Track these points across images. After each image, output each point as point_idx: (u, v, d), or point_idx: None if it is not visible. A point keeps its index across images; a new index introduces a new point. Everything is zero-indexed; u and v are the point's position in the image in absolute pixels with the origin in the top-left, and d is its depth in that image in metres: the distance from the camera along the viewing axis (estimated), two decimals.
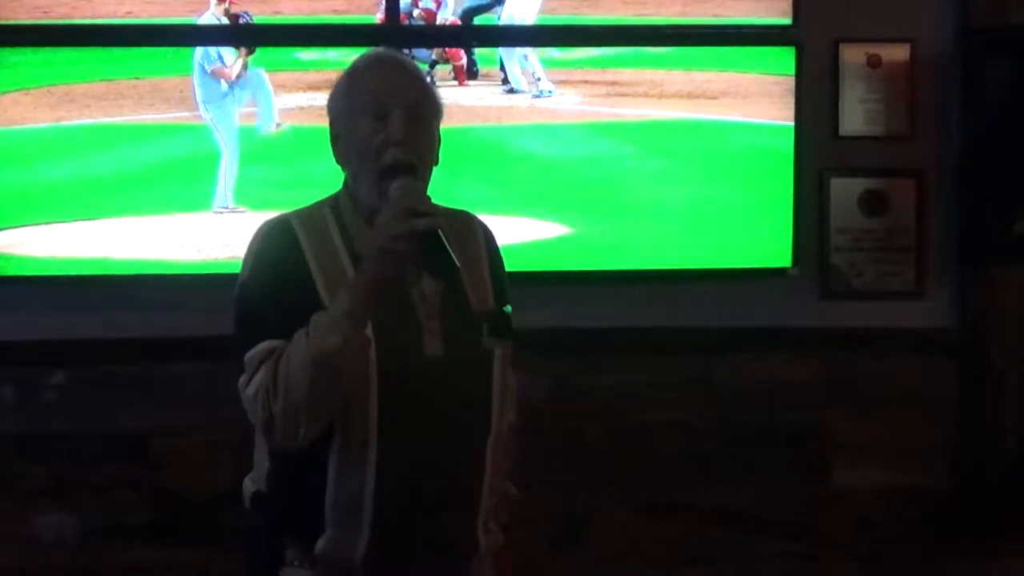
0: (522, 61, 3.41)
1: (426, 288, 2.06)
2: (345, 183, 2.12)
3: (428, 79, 2.21)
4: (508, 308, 2.18)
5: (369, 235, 1.99)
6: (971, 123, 3.49)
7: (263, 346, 1.98)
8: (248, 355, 2.00)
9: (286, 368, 1.94)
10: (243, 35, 3.34)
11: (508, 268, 3.33)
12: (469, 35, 3.41)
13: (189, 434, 3.42)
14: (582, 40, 3.41)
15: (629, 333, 3.50)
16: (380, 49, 2.22)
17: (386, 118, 2.02)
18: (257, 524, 2.14)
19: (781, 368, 3.56)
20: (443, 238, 1.94)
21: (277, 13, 3.37)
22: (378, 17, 3.35)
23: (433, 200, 2.04)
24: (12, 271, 3.34)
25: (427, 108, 2.09)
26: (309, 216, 2.11)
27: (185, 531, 3.42)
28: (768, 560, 3.56)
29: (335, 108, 2.11)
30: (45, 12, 3.32)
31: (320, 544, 2.03)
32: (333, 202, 2.12)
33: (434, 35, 3.40)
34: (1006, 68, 3.47)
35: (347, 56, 3.29)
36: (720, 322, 3.51)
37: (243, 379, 2.00)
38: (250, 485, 2.16)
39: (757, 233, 3.46)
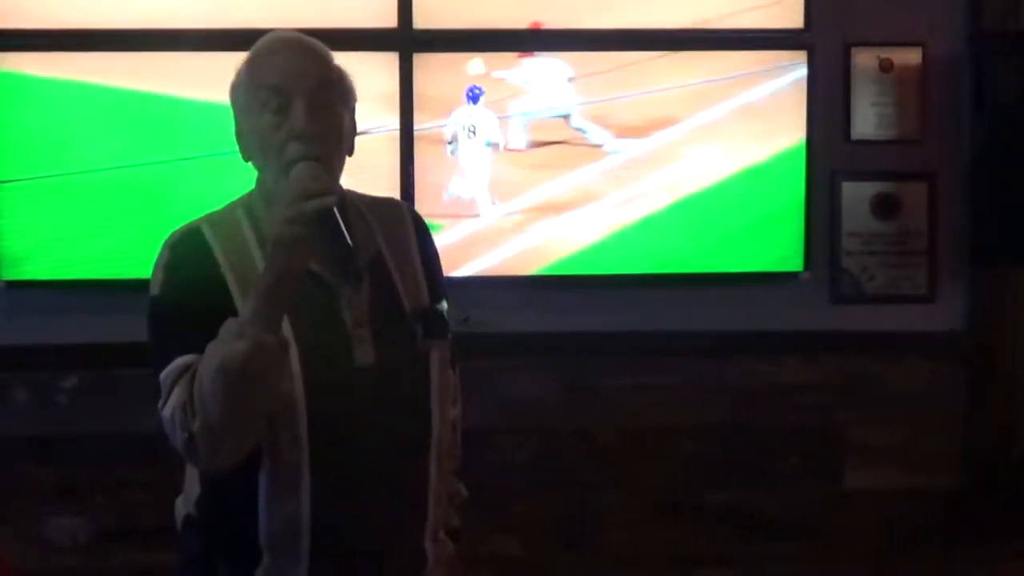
0: None
1: (353, 292, 1.93)
2: (258, 181, 1.98)
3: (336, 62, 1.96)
4: (444, 304, 2.03)
5: None
6: (982, 126, 3.49)
7: (177, 363, 1.82)
8: (162, 375, 1.84)
9: (200, 383, 1.77)
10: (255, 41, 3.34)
11: (528, 272, 3.39)
12: (483, 41, 3.41)
13: None
14: (598, 45, 3.40)
15: (642, 336, 3.51)
16: (280, 31, 2.00)
17: (287, 110, 1.86)
18: (190, 547, 2.01)
19: (793, 371, 3.57)
20: (338, 218, 1.77)
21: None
22: None
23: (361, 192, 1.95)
24: (26, 275, 3.35)
25: (332, 93, 1.91)
26: (220, 220, 1.97)
27: None
28: (779, 562, 3.57)
29: (236, 101, 1.95)
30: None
31: (258, 573, 1.91)
32: (246, 202, 1.98)
33: (449, 41, 3.40)
34: (1017, 71, 3.48)
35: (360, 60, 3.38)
36: (732, 326, 3.52)
37: (160, 402, 1.84)
38: (181, 507, 2.03)
39: (769, 237, 3.47)
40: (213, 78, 3.19)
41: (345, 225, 1.79)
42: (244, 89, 1.93)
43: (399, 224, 2.07)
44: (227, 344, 1.76)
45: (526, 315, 3.43)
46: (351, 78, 1.98)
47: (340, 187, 1.97)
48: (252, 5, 3.35)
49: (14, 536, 3.44)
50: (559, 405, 3.50)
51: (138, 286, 3.31)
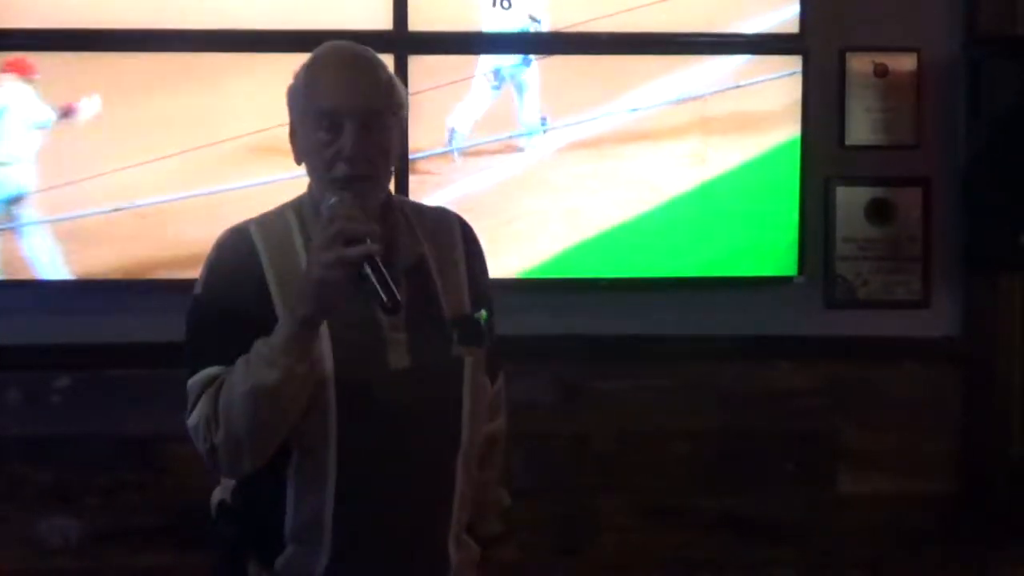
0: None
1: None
2: (309, 184, 2.03)
3: (388, 70, 2.01)
4: (484, 313, 2.08)
5: None
6: (977, 132, 3.49)
7: (204, 374, 1.91)
8: (189, 383, 1.93)
9: (227, 398, 1.86)
10: (252, 42, 3.34)
11: (519, 275, 3.38)
12: (477, 43, 3.41)
13: None
14: (591, 48, 3.41)
15: (636, 340, 3.51)
16: (338, 43, 2.03)
17: (338, 129, 1.91)
18: (222, 534, 2.10)
19: (787, 376, 3.57)
20: (380, 265, 1.82)
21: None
22: None
23: (413, 199, 2.01)
24: (18, 274, 3.33)
25: (384, 113, 1.96)
26: (271, 221, 2.02)
27: (190, 535, 3.41)
28: (774, 567, 3.57)
29: (293, 103, 2.01)
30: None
31: (279, 562, 1.99)
32: (297, 204, 2.03)
33: (442, 43, 3.40)
34: (1012, 76, 3.48)
35: None
36: (726, 330, 3.52)
37: (188, 410, 1.94)
38: (217, 494, 2.12)
39: (763, 242, 3.47)
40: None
41: (388, 231, 1.92)
42: (301, 97, 1.98)
43: (446, 232, 2.11)
44: (259, 370, 1.83)
45: (521, 318, 3.42)
46: (401, 86, 2.04)
47: (391, 194, 2.05)
48: (248, 6, 3.35)
49: (6, 537, 3.43)
50: (555, 409, 3.50)
51: (131, 287, 3.35)
